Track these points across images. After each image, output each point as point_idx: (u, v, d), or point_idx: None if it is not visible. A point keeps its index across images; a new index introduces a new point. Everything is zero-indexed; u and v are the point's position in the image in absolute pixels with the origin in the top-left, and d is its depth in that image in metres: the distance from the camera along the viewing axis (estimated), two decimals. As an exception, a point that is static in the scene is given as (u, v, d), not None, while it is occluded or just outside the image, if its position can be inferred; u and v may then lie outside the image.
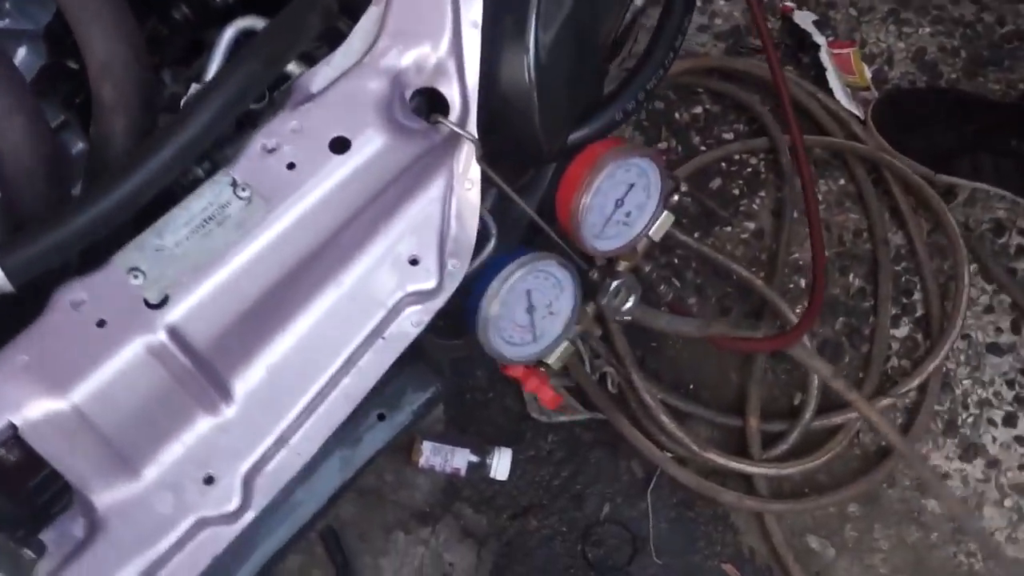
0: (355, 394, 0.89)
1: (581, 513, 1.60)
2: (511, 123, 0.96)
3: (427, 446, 1.58)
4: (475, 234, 0.93)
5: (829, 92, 1.77)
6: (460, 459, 1.58)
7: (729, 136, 1.80)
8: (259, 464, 0.85)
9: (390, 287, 0.89)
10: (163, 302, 0.79)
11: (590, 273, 1.03)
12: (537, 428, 1.64)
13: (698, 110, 1.83)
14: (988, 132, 1.62)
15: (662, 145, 1.81)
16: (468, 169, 0.92)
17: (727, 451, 1.56)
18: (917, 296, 1.68)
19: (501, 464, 1.58)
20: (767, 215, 1.74)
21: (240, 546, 1.28)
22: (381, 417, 1.33)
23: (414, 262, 0.90)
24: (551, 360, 1.04)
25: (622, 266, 1.06)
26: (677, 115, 1.83)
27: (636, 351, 1.65)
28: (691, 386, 1.66)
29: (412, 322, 0.91)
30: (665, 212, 1.05)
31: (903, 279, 1.69)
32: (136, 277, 0.79)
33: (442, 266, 0.91)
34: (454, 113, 0.90)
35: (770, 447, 1.58)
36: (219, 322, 0.82)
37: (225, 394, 0.84)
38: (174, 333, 0.79)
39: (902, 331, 1.67)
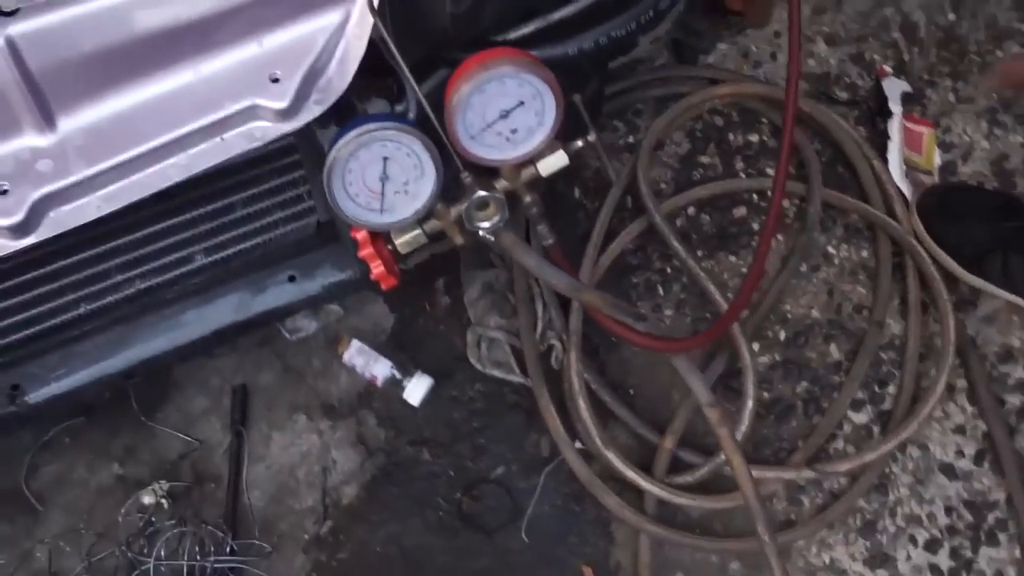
0: (174, 175, 0.92)
1: (474, 465, 1.59)
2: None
3: (355, 344, 1.61)
4: (348, 82, 0.95)
5: (886, 163, 1.68)
6: (381, 369, 1.60)
7: (772, 172, 1.74)
8: (57, 197, 0.89)
9: (241, 91, 0.93)
10: (13, 13, 0.85)
11: (462, 175, 1.03)
12: (470, 373, 1.64)
13: (754, 138, 1.78)
14: (1028, 233, 1.52)
15: (704, 159, 1.77)
16: (364, 17, 0.95)
17: (636, 464, 1.51)
18: (891, 390, 1.58)
19: (416, 389, 1.59)
20: (775, 259, 1.67)
21: (115, 341, 1.35)
22: (292, 279, 1.37)
23: (275, 80, 0.93)
24: (398, 242, 1.05)
25: (500, 184, 1.05)
26: (731, 136, 1.79)
27: (593, 339, 1.62)
28: (630, 391, 1.62)
29: (254, 134, 0.94)
30: (560, 152, 1.04)
31: (884, 368, 1.60)
32: (3, -16, 0.85)
33: (301, 96, 0.94)
34: (362, -42, 0.93)
35: (677, 474, 1.52)
36: (61, 54, 0.87)
37: (49, 122, 0.89)
38: (11, 44, 0.85)
39: (860, 418, 1.57)
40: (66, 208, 0.90)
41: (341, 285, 1.39)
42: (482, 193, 1.02)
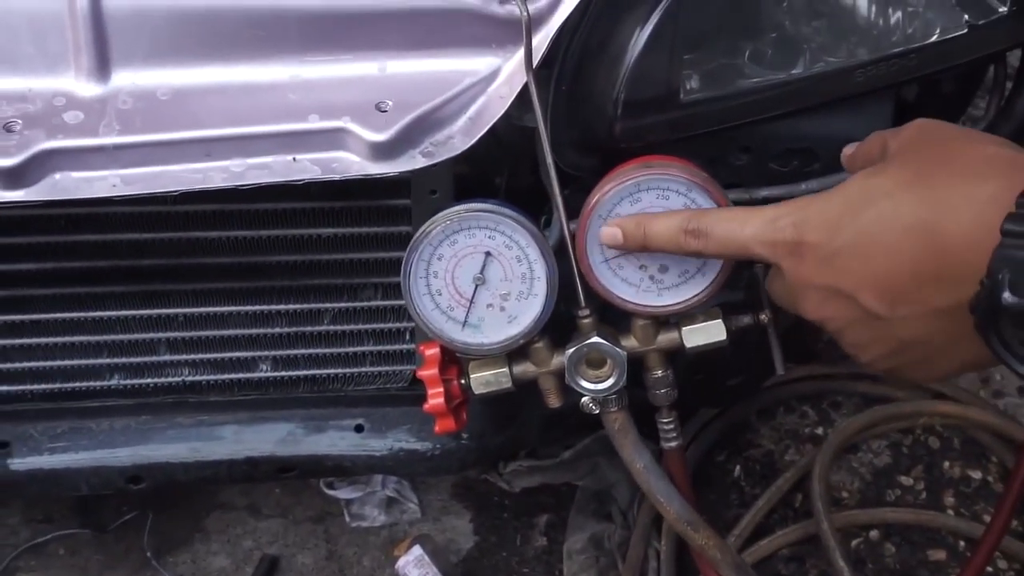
0: (217, 180, 0.73)
1: None
2: (594, 78, 0.77)
3: (415, 551, 1.31)
4: (470, 144, 0.74)
5: None
6: (434, 592, 1.28)
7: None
8: (70, 157, 0.71)
9: (335, 109, 0.73)
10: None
11: (580, 312, 0.76)
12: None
13: (976, 475, 1.42)
14: None
15: (905, 480, 1.42)
16: (515, 78, 0.75)
17: None
18: None
19: (467, 633, 1.25)
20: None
21: (133, 432, 1.13)
22: (359, 429, 1.13)
23: (381, 109, 0.73)
24: (473, 377, 0.78)
25: (627, 341, 0.77)
26: (947, 464, 1.43)
27: None
28: None
29: (332, 166, 0.74)
30: (718, 322, 0.76)
31: None
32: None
33: (407, 139, 0.73)
34: (537, 2, 0.74)
35: None
36: (146, 4, 0.72)
37: (102, 71, 0.73)
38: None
39: None
40: (75, 175, 0.71)
41: (413, 457, 1.12)
42: (599, 341, 0.75)
